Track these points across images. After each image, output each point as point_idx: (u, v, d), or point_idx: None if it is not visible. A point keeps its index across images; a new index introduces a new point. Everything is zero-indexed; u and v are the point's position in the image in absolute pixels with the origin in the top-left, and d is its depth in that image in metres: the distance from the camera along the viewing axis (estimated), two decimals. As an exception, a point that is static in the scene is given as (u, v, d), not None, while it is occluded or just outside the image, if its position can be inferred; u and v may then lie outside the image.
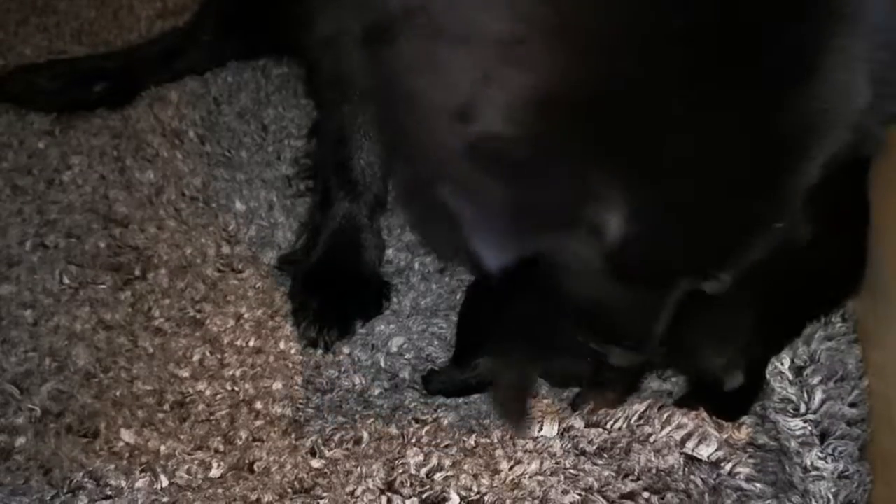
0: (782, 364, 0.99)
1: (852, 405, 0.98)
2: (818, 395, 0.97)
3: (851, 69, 0.75)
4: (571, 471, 0.92)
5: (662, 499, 0.90)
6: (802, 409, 0.96)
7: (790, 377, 0.99)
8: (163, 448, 0.96)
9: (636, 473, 0.92)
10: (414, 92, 0.80)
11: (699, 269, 0.83)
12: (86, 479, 0.90)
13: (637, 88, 0.71)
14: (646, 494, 0.90)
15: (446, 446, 0.94)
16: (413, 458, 0.91)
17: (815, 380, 0.99)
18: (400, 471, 0.90)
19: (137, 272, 1.16)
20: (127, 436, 0.97)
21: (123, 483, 0.89)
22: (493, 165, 0.74)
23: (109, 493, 0.88)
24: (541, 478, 0.91)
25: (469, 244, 0.80)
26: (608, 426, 0.97)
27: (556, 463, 0.93)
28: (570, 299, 0.89)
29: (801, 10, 0.73)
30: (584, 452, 0.95)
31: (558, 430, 0.96)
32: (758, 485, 0.91)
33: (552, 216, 0.76)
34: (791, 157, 0.77)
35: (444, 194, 0.80)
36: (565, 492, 0.90)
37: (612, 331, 0.90)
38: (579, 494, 0.91)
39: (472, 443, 0.95)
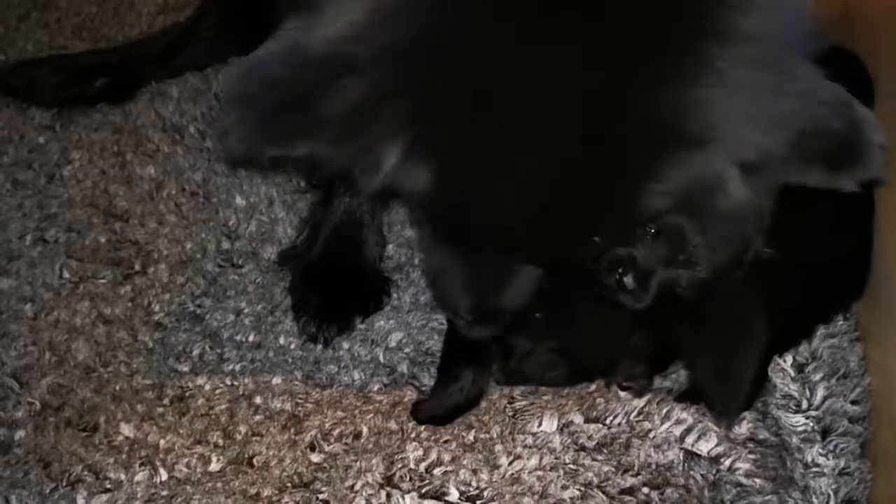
0: (784, 361, 0.99)
1: (854, 402, 0.98)
2: (820, 392, 0.97)
3: (720, 91, 0.70)
4: (571, 466, 0.93)
5: (662, 494, 0.90)
6: (804, 405, 0.96)
7: (792, 374, 0.99)
8: (162, 442, 0.96)
9: (636, 469, 0.92)
10: None
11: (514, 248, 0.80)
12: (85, 473, 0.90)
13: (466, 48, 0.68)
14: (645, 490, 0.91)
15: (445, 441, 0.94)
16: (412, 452, 0.91)
17: (817, 377, 0.99)
18: (399, 465, 0.90)
19: (137, 267, 1.16)
20: (126, 430, 0.97)
21: (123, 476, 0.89)
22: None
23: (109, 486, 0.88)
24: (540, 473, 0.91)
25: (222, 129, 0.76)
26: (608, 421, 0.97)
27: (556, 458, 0.93)
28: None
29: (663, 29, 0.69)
30: (583, 448, 0.95)
31: (558, 425, 0.96)
32: (758, 480, 0.91)
33: (325, 122, 0.71)
34: (624, 174, 0.73)
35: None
36: (565, 487, 0.90)
37: (446, 300, 0.89)
38: (579, 489, 0.91)
39: (472, 438, 0.95)
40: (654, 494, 0.90)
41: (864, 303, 1.05)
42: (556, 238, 0.77)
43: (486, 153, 0.72)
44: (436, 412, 0.98)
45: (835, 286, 1.02)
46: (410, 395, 1.02)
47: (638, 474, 0.92)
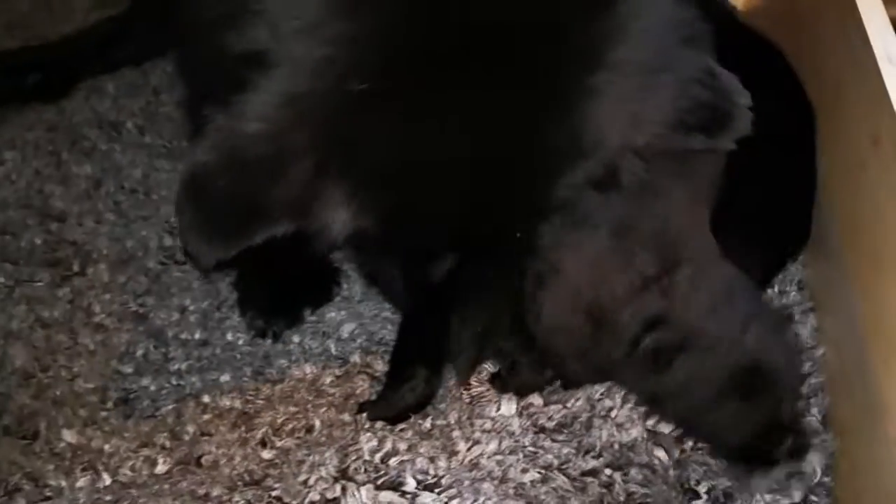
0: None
1: (808, 374, 0.97)
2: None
3: (608, 107, 0.78)
4: (530, 448, 0.90)
5: (626, 475, 0.88)
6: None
7: None
8: (106, 447, 0.92)
9: (597, 449, 0.90)
10: None
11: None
12: (23, 481, 0.86)
13: (371, 100, 0.74)
14: (608, 471, 0.88)
15: (401, 430, 0.91)
16: (367, 443, 0.88)
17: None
18: (353, 457, 0.86)
19: (76, 267, 1.12)
20: (69, 436, 0.93)
21: (63, 483, 0.85)
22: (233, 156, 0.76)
23: (49, 493, 0.84)
24: (500, 457, 0.88)
25: (185, 243, 0.82)
26: (568, 403, 0.95)
27: (515, 441, 0.91)
28: None
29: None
30: (543, 429, 0.92)
31: (517, 408, 0.94)
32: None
33: (276, 211, 0.77)
34: (531, 175, 0.81)
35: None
36: (525, 470, 0.88)
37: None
38: (539, 472, 0.88)
39: (428, 425, 0.92)
40: (618, 476, 0.88)
41: (817, 272, 1.05)
42: (478, 236, 0.86)
43: (422, 198, 0.80)
44: (386, 413, 0.95)
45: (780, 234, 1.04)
46: (363, 386, 0.99)
47: (600, 455, 0.90)
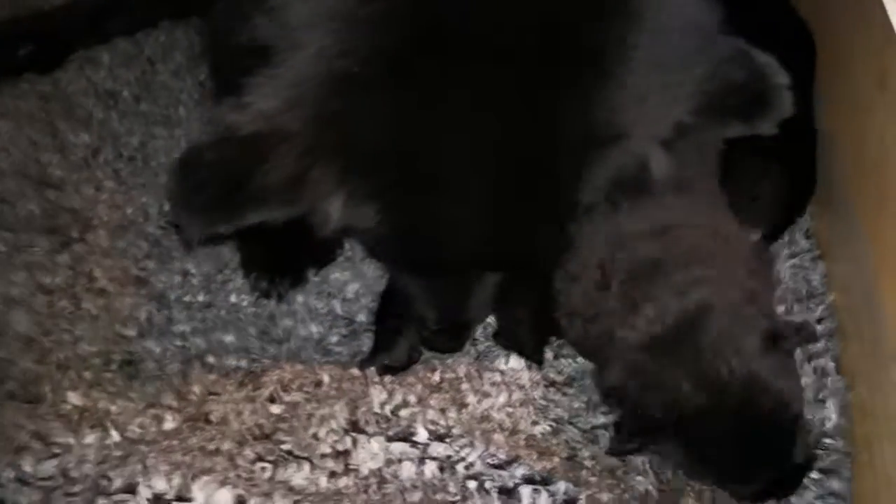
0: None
1: (820, 321, 0.97)
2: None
3: (628, 95, 0.76)
4: (541, 402, 0.90)
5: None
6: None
7: None
8: (113, 408, 0.91)
9: (607, 404, 0.90)
10: None
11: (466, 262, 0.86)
12: (31, 440, 0.84)
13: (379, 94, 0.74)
14: (619, 424, 0.88)
15: (410, 384, 0.91)
16: (377, 396, 0.88)
17: (781, 306, 0.97)
18: (363, 409, 0.86)
19: (75, 234, 1.10)
20: (74, 398, 0.92)
21: (72, 440, 0.84)
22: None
23: (57, 451, 0.82)
24: (510, 409, 0.89)
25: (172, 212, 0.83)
26: (578, 358, 0.94)
27: (525, 395, 0.91)
28: None
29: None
30: (553, 383, 0.93)
31: (526, 362, 0.93)
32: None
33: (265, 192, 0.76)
34: (558, 181, 0.79)
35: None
36: (535, 423, 0.88)
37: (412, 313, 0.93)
38: (550, 425, 0.88)
39: (437, 378, 0.92)
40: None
41: (824, 220, 1.04)
42: (503, 251, 0.83)
43: (424, 194, 0.78)
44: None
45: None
46: (370, 345, 0.99)
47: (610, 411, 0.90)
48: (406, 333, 0.95)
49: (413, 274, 0.91)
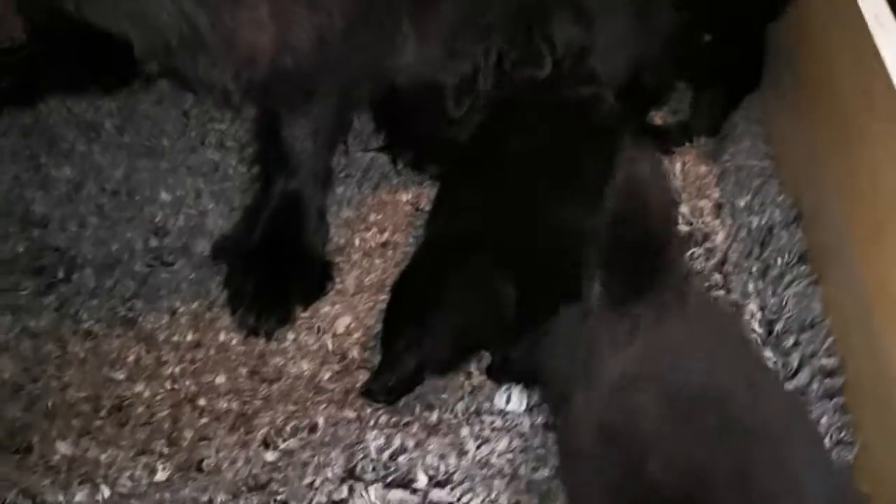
0: (752, 319, 0.96)
1: (829, 354, 0.95)
2: (795, 359, 0.94)
3: None
4: (541, 450, 0.89)
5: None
6: (781, 376, 0.93)
7: (762, 335, 0.96)
8: (103, 457, 0.90)
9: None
10: None
11: None
12: (20, 498, 0.83)
13: None
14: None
15: (406, 424, 0.89)
16: (373, 441, 0.86)
17: (789, 341, 0.96)
18: (360, 456, 0.85)
19: (61, 274, 1.09)
20: (63, 447, 0.91)
21: (61, 498, 0.82)
22: None
23: (47, 510, 0.81)
24: (510, 455, 0.87)
25: None
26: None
27: (525, 441, 0.89)
28: None
29: None
30: (554, 428, 0.90)
31: (527, 404, 0.92)
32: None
33: None
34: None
35: None
36: (535, 468, 0.87)
37: None
38: (551, 470, 0.87)
39: (435, 419, 0.91)
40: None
41: (818, 245, 1.03)
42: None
43: None
44: (387, 382, 0.92)
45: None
46: (364, 379, 0.97)
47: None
48: (413, 351, 0.93)
49: None
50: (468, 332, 0.94)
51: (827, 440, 0.86)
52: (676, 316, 0.79)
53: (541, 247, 0.94)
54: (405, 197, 1.18)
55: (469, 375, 0.97)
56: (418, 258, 1.03)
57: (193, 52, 0.90)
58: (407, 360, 0.91)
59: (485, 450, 0.87)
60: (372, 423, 0.90)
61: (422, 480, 0.82)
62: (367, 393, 0.93)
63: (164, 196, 1.18)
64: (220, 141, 1.25)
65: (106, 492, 0.83)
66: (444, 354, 0.93)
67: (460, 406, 0.92)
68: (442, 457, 0.85)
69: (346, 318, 1.04)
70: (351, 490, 0.81)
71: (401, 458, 0.84)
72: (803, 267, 1.01)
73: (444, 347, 0.93)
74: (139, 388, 0.97)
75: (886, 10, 0.87)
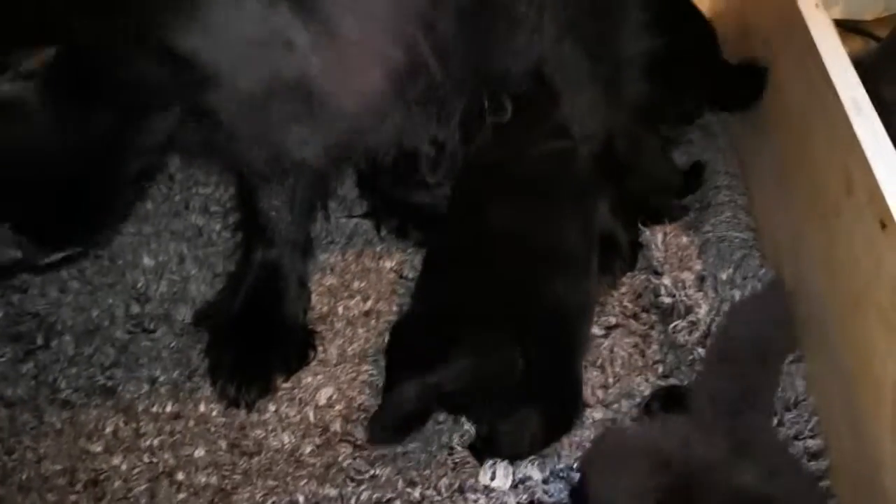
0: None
1: (812, 436, 0.95)
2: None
3: None
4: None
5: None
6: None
7: None
8: (77, 534, 0.88)
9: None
10: None
11: None
12: (-9, 579, 0.81)
13: None
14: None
15: (388, 501, 0.88)
16: (354, 520, 0.85)
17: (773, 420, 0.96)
18: (341, 536, 0.83)
19: (39, 341, 1.08)
20: (36, 523, 0.89)
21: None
22: None
23: None
24: (497, 533, 0.86)
25: None
26: (567, 476, 0.92)
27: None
28: None
29: None
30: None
31: (512, 480, 0.91)
32: None
33: None
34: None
35: None
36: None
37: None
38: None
39: (418, 496, 0.89)
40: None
41: (800, 320, 1.03)
42: None
43: None
44: (390, 421, 0.91)
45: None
46: (345, 454, 0.96)
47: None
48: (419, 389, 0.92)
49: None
50: (480, 378, 0.91)
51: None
52: None
53: (539, 322, 0.94)
54: (389, 264, 1.17)
55: (452, 451, 0.96)
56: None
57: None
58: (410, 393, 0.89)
59: (470, 528, 0.85)
60: (353, 500, 0.89)
61: (403, 561, 0.81)
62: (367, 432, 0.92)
63: (147, 261, 1.17)
64: (204, 205, 1.24)
65: (80, 572, 0.81)
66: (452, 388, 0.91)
67: (444, 482, 0.91)
68: (424, 536, 0.84)
69: (328, 388, 1.03)
70: (332, 572, 0.80)
71: (383, 539, 0.83)
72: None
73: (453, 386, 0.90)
74: (116, 460, 0.96)
75: (863, 95, 0.89)
